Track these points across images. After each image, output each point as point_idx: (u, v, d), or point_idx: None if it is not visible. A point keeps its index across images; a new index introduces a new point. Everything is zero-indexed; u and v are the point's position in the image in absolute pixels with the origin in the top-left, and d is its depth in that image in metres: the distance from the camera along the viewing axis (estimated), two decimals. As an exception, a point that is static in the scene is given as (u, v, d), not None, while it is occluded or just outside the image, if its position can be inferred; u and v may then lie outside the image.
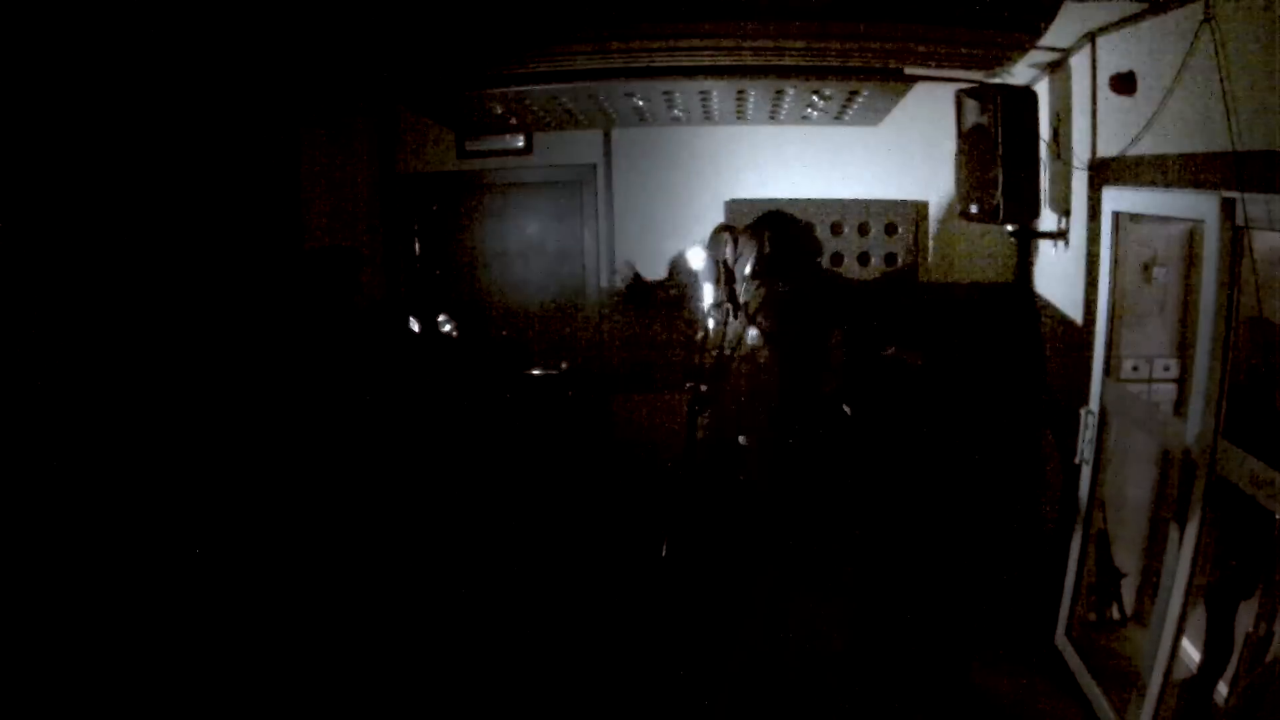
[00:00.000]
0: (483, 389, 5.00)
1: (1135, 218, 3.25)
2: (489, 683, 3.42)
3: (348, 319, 3.96)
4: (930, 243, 4.82)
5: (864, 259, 4.83)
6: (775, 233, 4.00)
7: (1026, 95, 3.67)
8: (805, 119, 4.60)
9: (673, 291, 4.51)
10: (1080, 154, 3.59)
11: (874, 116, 4.57)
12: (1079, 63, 3.58)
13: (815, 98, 4.08)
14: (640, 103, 4.26)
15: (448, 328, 4.52)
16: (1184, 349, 3.37)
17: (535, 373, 5.08)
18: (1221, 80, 2.40)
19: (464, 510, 4.42)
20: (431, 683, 3.42)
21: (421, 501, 4.25)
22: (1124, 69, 3.09)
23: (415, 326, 4.41)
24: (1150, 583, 3.56)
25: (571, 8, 3.16)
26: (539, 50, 3.58)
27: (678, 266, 4.80)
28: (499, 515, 4.50)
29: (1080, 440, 3.45)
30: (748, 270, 3.83)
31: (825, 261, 4.85)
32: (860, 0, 3.02)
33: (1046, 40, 3.38)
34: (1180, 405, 3.32)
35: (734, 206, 4.88)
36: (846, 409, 4.12)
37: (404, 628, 3.72)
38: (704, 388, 4.01)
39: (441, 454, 4.45)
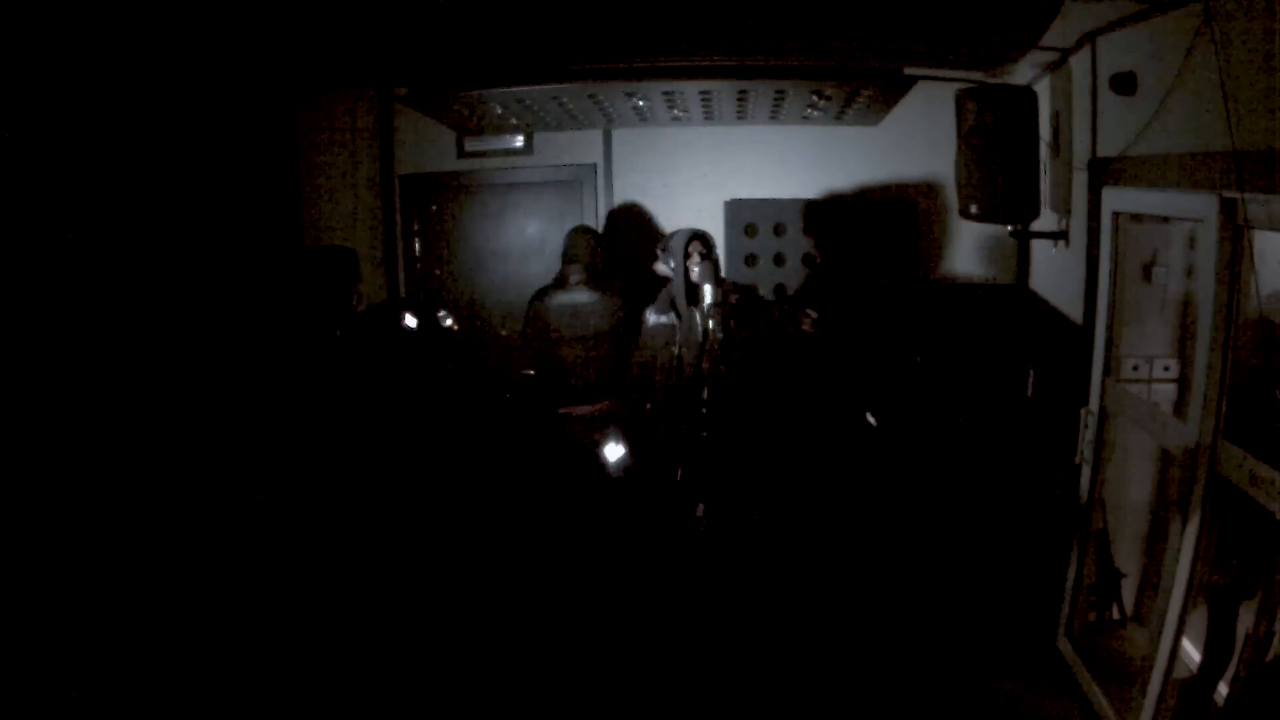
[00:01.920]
0: (482, 388, 5.00)
1: (1135, 218, 3.25)
2: (489, 681, 3.42)
3: (345, 319, 3.96)
4: (930, 243, 4.82)
5: (864, 259, 4.82)
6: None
7: (1026, 95, 3.66)
8: (805, 119, 4.60)
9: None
10: (1080, 154, 3.59)
11: (874, 117, 4.57)
12: (1079, 63, 3.58)
13: (815, 98, 4.08)
14: (640, 103, 4.26)
15: (449, 322, 4.51)
16: (1184, 349, 3.37)
17: (534, 372, 5.08)
18: (1221, 80, 2.40)
19: (464, 509, 4.42)
20: (431, 682, 3.42)
21: (422, 500, 4.25)
22: (1124, 69, 3.09)
23: (411, 323, 4.40)
24: (1150, 583, 3.56)
25: (572, 11, 3.16)
26: (539, 51, 3.59)
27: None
28: (498, 514, 4.49)
29: (1080, 440, 3.45)
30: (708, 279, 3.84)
31: (825, 262, 4.85)
32: (861, 1, 3.02)
33: (1046, 40, 3.39)
34: (1180, 405, 3.32)
35: (734, 206, 4.88)
36: (871, 419, 4.11)
37: (404, 626, 3.72)
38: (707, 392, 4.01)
39: (442, 452, 4.44)
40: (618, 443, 4.13)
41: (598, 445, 4.21)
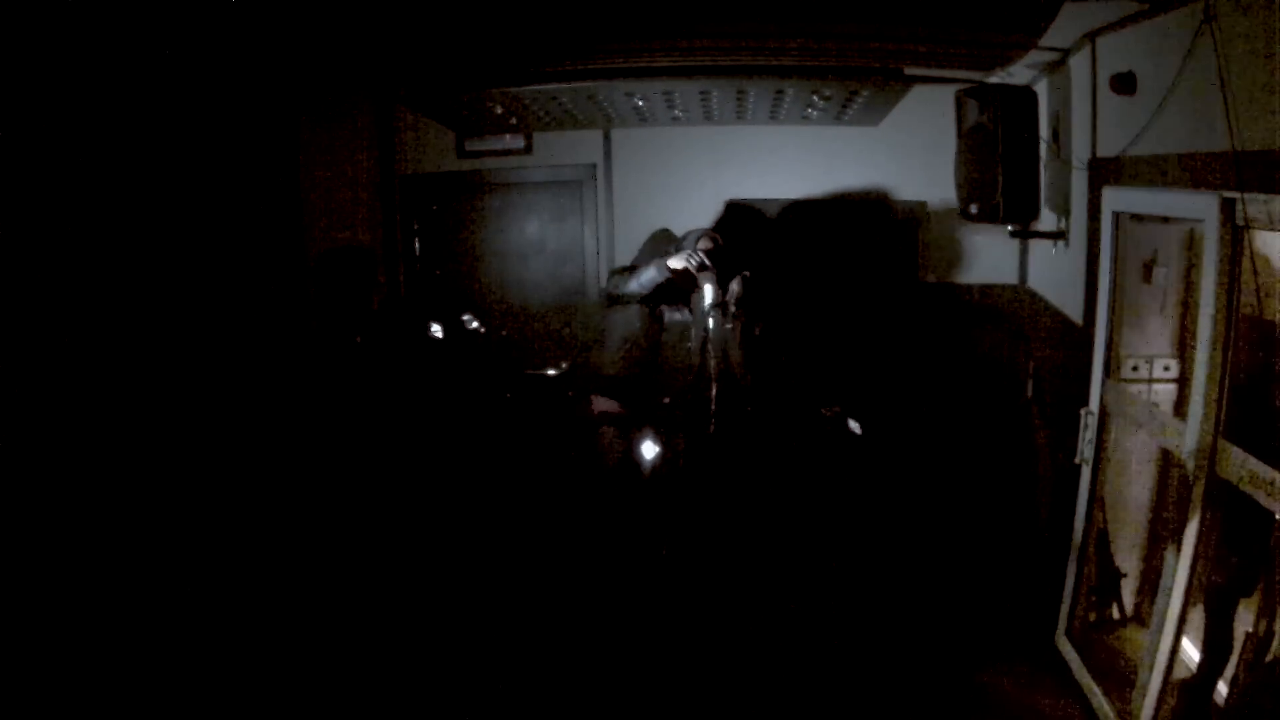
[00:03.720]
0: (483, 389, 5.00)
1: (1135, 218, 3.25)
2: (489, 682, 3.42)
3: (364, 321, 3.95)
4: (930, 243, 4.82)
5: (863, 259, 4.82)
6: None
7: (1026, 95, 3.67)
8: (805, 119, 4.60)
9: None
10: (1080, 154, 3.59)
11: (874, 116, 4.57)
12: (1079, 63, 3.58)
13: (815, 98, 4.08)
14: (640, 103, 4.26)
15: (475, 325, 4.51)
16: (1184, 349, 3.37)
17: (534, 373, 5.08)
18: (1221, 80, 2.40)
19: (466, 509, 4.42)
20: (432, 682, 3.42)
21: (426, 501, 4.25)
22: (1124, 69, 3.09)
23: (438, 331, 4.41)
24: (1150, 583, 3.56)
25: (571, 10, 3.16)
26: (539, 51, 3.59)
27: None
28: (500, 514, 4.50)
29: (1080, 440, 3.45)
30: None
31: (825, 262, 4.85)
32: (860, 0, 3.01)
33: (1046, 40, 3.38)
34: (1180, 405, 3.32)
35: (734, 206, 4.88)
36: (855, 426, 4.10)
37: (408, 627, 3.72)
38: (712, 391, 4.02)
39: (447, 453, 4.44)
40: (653, 441, 4.14)
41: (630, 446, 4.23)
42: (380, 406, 3.88)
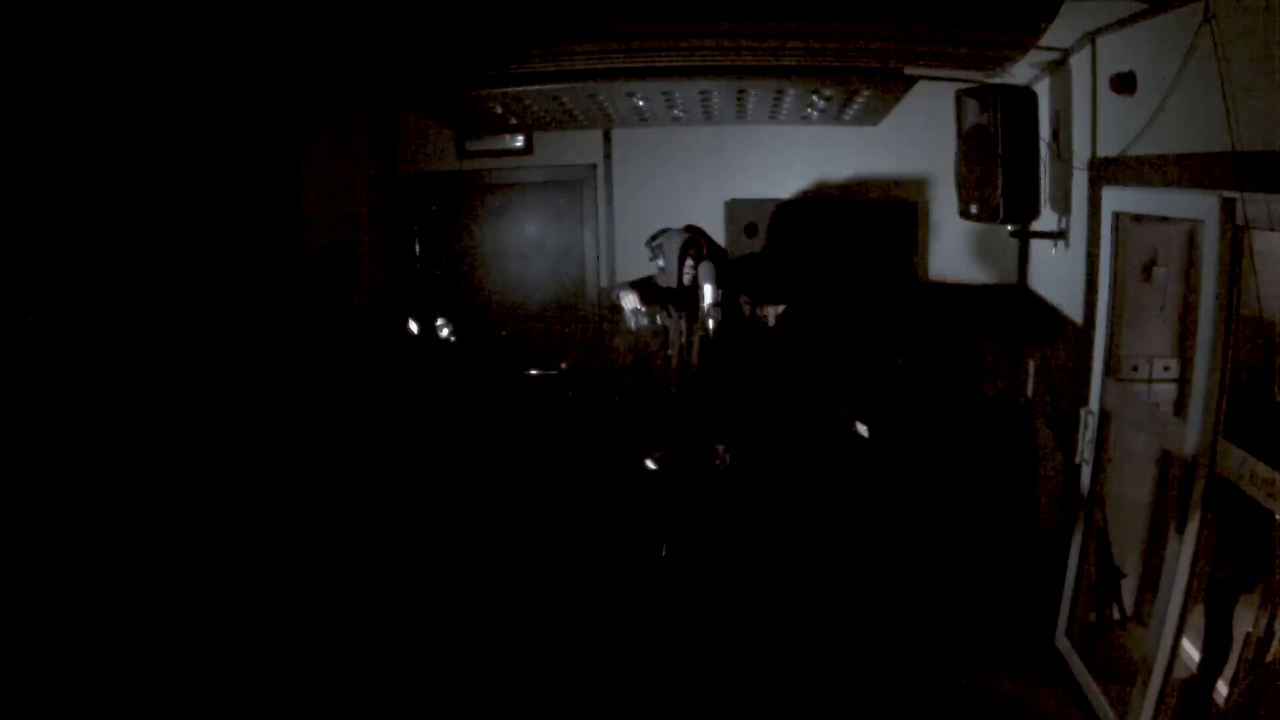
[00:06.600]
0: (482, 389, 5.00)
1: (1135, 218, 3.25)
2: (489, 683, 3.42)
3: (345, 318, 3.96)
4: (930, 243, 4.82)
5: (863, 259, 4.82)
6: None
7: (1026, 95, 3.66)
8: (805, 119, 4.60)
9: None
10: (1080, 154, 3.59)
11: (874, 116, 4.57)
12: (1079, 63, 3.58)
13: (815, 98, 4.08)
14: (640, 103, 4.26)
15: (445, 332, 4.49)
16: (1184, 349, 3.37)
17: (534, 373, 5.08)
18: (1221, 80, 2.40)
19: (464, 509, 4.42)
20: (432, 683, 3.42)
21: (421, 500, 4.25)
22: (1124, 69, 3.09)
23: (414, 328, 4.41)
24: (1150, 583, 3.56)
25: (571, 8, 3.16)
26: (539, 50, 3.59)
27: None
28: (498, 514, 4.50)
29: (1080, 440, 3.45)
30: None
31: (824, 262, 4.85)
32: (860, 0, 3.01)
33: (1046, 40, 3.38)
34: (1180, 405, 3.32)
35: (734, 206, 4.88)
36: (863, 430, 4.08)
37: (404, 628, 3.72)
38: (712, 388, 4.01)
39: (441, 453, 4.44)
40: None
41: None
42: (354, 401, 3.88)
